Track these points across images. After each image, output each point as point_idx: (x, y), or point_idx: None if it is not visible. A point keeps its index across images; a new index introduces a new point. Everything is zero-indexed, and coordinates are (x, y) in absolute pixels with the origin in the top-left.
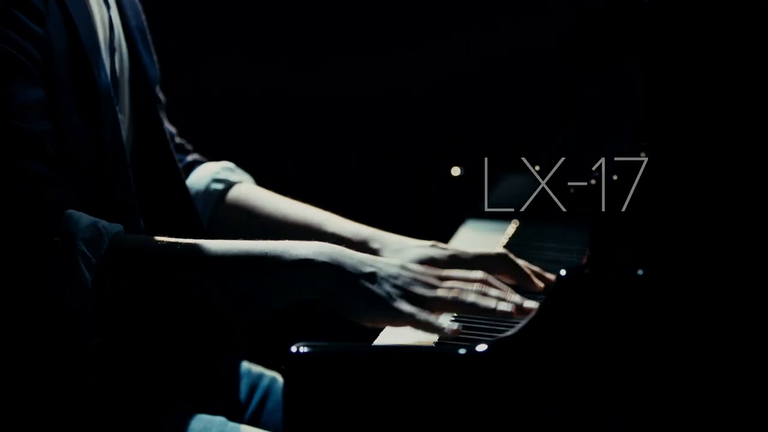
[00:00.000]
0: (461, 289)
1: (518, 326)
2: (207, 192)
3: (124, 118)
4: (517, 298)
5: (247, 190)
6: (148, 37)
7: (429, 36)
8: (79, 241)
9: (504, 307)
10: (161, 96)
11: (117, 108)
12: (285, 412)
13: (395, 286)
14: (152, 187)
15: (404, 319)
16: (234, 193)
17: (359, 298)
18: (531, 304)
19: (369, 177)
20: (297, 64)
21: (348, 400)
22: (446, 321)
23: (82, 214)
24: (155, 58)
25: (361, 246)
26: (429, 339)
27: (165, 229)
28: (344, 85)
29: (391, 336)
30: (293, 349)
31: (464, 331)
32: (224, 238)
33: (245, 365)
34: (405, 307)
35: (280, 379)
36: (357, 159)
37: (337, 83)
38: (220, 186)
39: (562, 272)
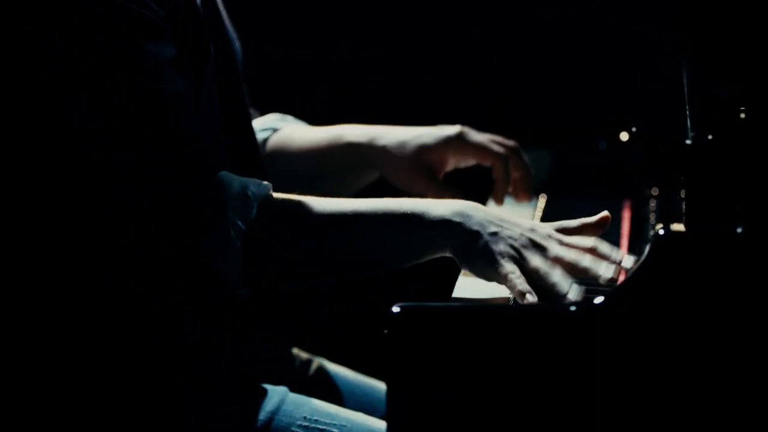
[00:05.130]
0: (561, 261)
1: (616, 286)
2: None
3: None
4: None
5: (283, 133)
6: (224, 11)
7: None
8: (230, 211)
9: (572, 294)
10: None
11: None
12: (388, 372)
13: (511, 246)
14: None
15: (501, 277)
16: (273, 139)
17: (478, 258)
18: (607, 275)
19: None
20: (295, 57)
21: (450, 357)
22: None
23: (232, 176)
24: (235, 33)
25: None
26: (502, 296)
27: None
28: (350, 77)
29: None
30: (395, 308)
31: None
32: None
33: (294, 352)
34: (508, 265)
35: (328, 363)
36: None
37: (340, 76)
38: (266, 134)
39: (660, 231)
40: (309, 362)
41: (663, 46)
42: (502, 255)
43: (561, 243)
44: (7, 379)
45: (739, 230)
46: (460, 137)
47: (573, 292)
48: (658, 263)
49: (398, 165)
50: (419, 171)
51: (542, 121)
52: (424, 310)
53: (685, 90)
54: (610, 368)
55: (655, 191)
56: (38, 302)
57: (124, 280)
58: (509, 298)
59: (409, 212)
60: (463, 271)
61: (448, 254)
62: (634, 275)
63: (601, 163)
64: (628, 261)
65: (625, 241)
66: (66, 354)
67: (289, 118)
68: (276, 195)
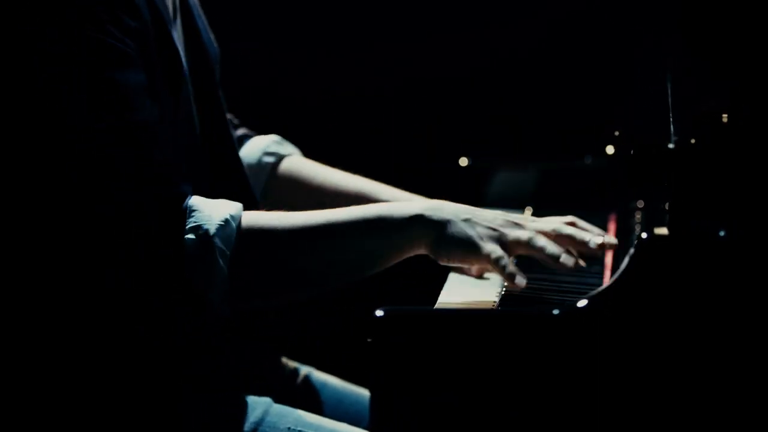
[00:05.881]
0: (541, 233)
1: (600, 288)
2: (259, 165)
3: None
4: (587, 236)
5: (298, 163)
6: (203, 15)
7: (435, 32)
8: (216, 238)
9: (565, 260)
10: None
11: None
12: (372, 374)
13: (487, 227)
14: (211, 163)
15: (483, 257)
16: (285, 166)
17: (455, 245)
18: (597, 239)
19: (377, 168)
20: (300, 61)
21: (434, 362)
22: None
23: (204, 201)
24: (212, 36)
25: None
26: (488, 297)
27: None
28: (351, 78)
29: (451, 290)
30: (378, 312)
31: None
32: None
33: (282, 360)
34: (487, 245)
35: (316, 372)
36: (366, 150)
37: (342, 77)
38: (271, 159)
39: (644, 234)
40: (296, 371)
41: (648, 54)
42: (481, 237)
43: (535, 220)
44: (8, 379)
45: (722, 233)
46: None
47: (565, 258)
48: (642, 266)
49: None
50: None
51: (529, 135)
52: (408, 314)
53: (669, 95)
54: (595, 371)
55: (640, 204)
56: (38, 302)
57: (124, 280)
58: (494, 302)
59: (382, 215)
60: (448, 281)
61: (423, 250)
62: (617, 278)
63: (587, 177)
64: (611, 238)
65: (610, 253)
66: (66, 354)
67: (287, 143)
68: (249, 214)
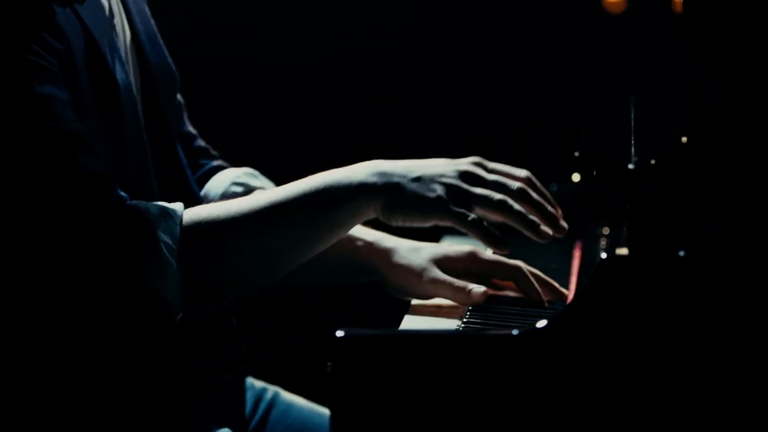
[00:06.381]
0: (506, 190)
1: (560, 310)
2: (224, 196)
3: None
4: (553, 210)
5: None
6: (160, 41)
7: (416, 44)
8: (159, 232)
9: (545, 229)
10: (180, 98)
11: (139, 107)
12: (332, 397)
13: (443, 184)
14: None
15: (454, 219)
16: None
17: (413, 205)
18: (564, 224)
19: None
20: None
21: (394, 383)
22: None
23: (142, 202)
24: (170, 61)
25: (377, 248)
26: (451, 325)
27: None
28: (326, 99)
29: (412, 322)
30: (338, 333)
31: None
32: None
33: (249, 380)
34: (455, 208)
35: (282, 392)
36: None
37: (323, 94)
38: (239, 189)
39: (603, 255)
40: (263, 391)
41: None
42: (441, 196)
43: (489, 169)
44: (7, 380)
45: (681, 254)
46: (470, 257)
47: (543, 228)
48: (602, 286)
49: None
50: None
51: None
52: (368, 335)
53: (632, 115)
54: (557, 391)
55: (606, 231)
56: (38, 302)
57: (73, 287)
58: (457, 326)
59: (326, 187)
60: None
61: (374, 215)
62: (577, 299)
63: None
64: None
65: (574, 278)
66: (66, 354)
67: (262, 177)
68: (190, 209)
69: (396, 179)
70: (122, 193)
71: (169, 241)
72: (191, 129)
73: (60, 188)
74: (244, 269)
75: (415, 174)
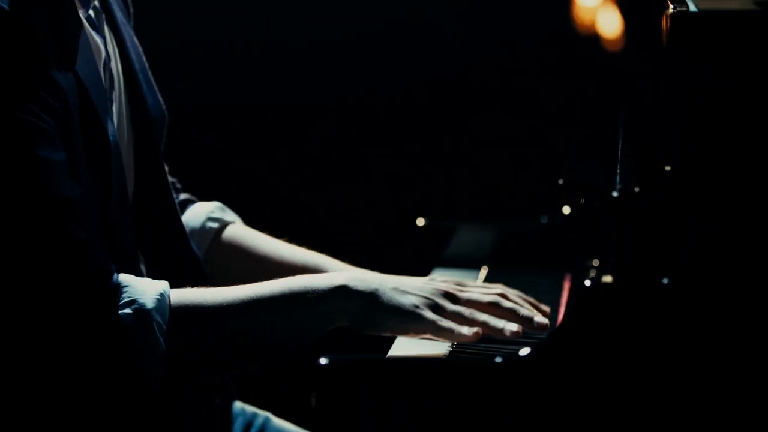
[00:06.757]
0: (477, 304)
1: (543, 338)
2: (203, 230)
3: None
4: (529, 312)
5: (242, 231)
6: (150, 77)
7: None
8: (153, 312)
9: (512, 327)
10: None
11: (124, 157)
12: (318, 423)
13: (419, 296)
14: (153, 230)
15: (427, 326)
16: (229, 233)
17: (387, 313)
18: (542, 319)
19: (332, 227)
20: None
21: (378, 410)
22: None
23: (133, 277)
24: (160, 98)
25: None
26: (439, 351)
27: (166, 273)
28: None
29: (400, 349)
30: (322, 360)
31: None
32: (220, 277)
33: (238, 405)
34: (428, 314)
35: (273, 418)
36: (319, 211)
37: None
38: (215, 225)
39: (587, 282)
40: (254, 417)
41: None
42: (416, 305)
43: (464, 289)
44: (7, 381)
45: (665, 281)
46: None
47: (509, 326)
48: (584, 315)
49: None
50: None
51: (487, 194)
52: (352, 362)
53: (619, 143)
54: (540, 418)
55: (596, 263)
56: (18, 362)
57: (60, 356)
58: (444, 353)
59: (306, 286)
60: (397, 341)
61: (347, 321)
62: (561, 327)
63: (543, 237)
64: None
65: (563, 310)
66: (66, 354)
67: (229, 210)
68: (177, 291)
69: (374, 285)
70: (111, 266)
71: (161, 322)
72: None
73: (45, 255)
74: (222, 357)
75: (391, 285)
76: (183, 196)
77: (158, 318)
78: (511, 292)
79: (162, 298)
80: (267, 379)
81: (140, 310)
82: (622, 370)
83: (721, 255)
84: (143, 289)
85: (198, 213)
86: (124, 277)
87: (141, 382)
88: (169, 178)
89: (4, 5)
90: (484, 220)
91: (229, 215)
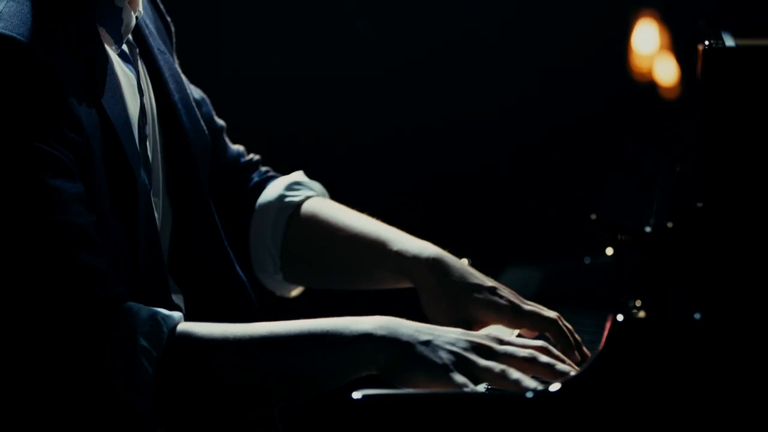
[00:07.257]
0: (513, 359)
1: (577, 372)
2: (280, 204)
3: (158, 201)
4: (567, 368)
5: (319, 203)
6: (192, 104)
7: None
8: (140, 335)
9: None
10: (220, 122)
11: (153, 201)
12: None
13: (451, 352)
14: (194, 260)
15: (456, 388)
16: (307, 206)
17: (416, 368)
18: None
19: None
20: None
21: None
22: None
23: (140, 306)
24: (203, 124)
25: (426, 265)
26: None
27: (206, 304)
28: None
29: None
30: (355, 395)
31: None
32: (297, 258)
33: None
34: (458, 378)
35: None
36: None
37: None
38: (295, 198)
39: (619, 317)
40: None
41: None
42: (446, 364)
43: (502, 343)
44: (7, 385)
45: (697, 317)
46: (513, 306)
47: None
48: (616, 351)
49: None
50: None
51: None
52: (386, 397)
53: (652, 180)
54: None
55: (639, 303)
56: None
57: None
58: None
59: (329, 330)
60: None
61: (375, 371)
62: (592, 363)
63: (586, 278)
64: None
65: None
66: (66, 353)
67: (313, 182)
68: (187, 323)
69: (405, 338)
70: (119, 290)
71: (149, 347)
72: (233, 149)
73: (46, 279)
74: (226, 399)
75: (425, 337)
76: (263, 170)
77: (145, 343)
78: (553, 349)
79: (154, 323)
80: (313, 415)
81: (126, 333)
82: (655, 406)
83: (755, 291)
84: (139, 312)
85: (277, 186)
86: (128, 305)
87: (132, 411)
88: (252, 157)
89: (21, 38)
90: (529, 262)
91: (304, 190)
